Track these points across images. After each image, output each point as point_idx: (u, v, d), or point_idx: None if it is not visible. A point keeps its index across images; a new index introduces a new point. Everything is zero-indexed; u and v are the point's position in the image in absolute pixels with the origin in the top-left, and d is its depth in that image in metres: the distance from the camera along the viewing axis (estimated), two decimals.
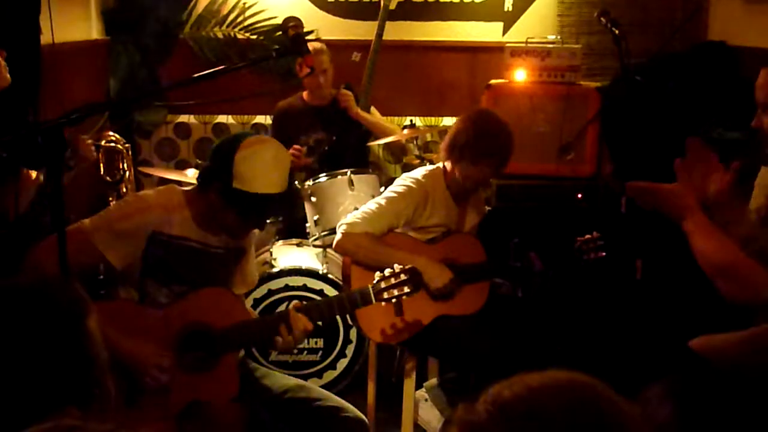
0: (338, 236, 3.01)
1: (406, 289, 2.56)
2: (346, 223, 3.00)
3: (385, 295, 2.56)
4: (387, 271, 2.57)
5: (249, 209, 2.41)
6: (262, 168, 2.38)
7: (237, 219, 2.44)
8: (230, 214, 2.42)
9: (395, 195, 3.06)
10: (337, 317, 3.61)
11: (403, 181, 3.12)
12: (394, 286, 2.56)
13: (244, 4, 4.92)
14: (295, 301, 2.61)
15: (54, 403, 1.35)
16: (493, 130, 3.05)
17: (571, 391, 0.96)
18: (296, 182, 3.92)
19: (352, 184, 3.77)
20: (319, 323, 2.53)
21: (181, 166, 4.94)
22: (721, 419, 1.95)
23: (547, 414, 0.93)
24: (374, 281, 2.58)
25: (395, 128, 4.40)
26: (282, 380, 2.65)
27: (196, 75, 2.22)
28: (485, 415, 0.95)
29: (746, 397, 2.03)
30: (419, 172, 3.16)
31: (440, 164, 3.18)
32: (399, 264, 2.60)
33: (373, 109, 4.42)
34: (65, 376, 1.38)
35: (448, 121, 4.85)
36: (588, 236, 3.17)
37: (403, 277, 2.56)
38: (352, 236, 2.98)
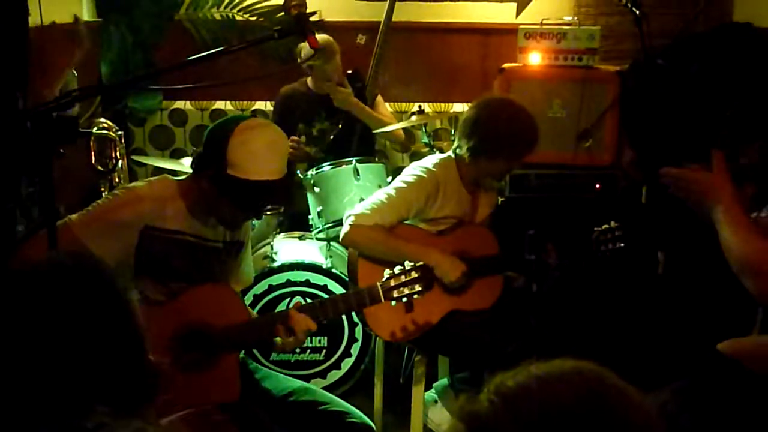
0: (346, 228, 2.94)
1: (417, 288, 2.53)
2: (355, 215, 2.93)
3: (395, 294, 2.53)
4: (397, 269, 2.53)
5: (244, 197, 2.35)
6: (258, 153, 2.31)
7: (232, 208, 2.38)
8: (225, 203, 2.36)
9: (405, 185, 3.00)
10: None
11: (414, 170, 3.05)
12: (404, 285, 2.53)
13: None
14: (297, 301, 2.53)
15: (118, 382, 1.34)
16: (517, 124, 2.99)
17: (577, 379, 0.95)
18: (298, 172, 3.84)
19: (358, 174, 3.69)
20: (324, 322, 2.50)
21: (177, 155, 4.91)
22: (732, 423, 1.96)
23: (552, 403, 0.92)
24: (383, 279, 2.53)
25: (395, 124, 4.28)
26: (285, 382, 2.60)
27: (192, 57, 2.15)
28: (488, 406, 0.94)
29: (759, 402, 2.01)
30: (430, 161, 3.09)
31: (451, 153, 3.11)
32: (410, 258, 2.57)
33: (378, 98, 4.31)
34: (123, 352, 1.36)
35: (459, 107, 4.81)
36: (606, 226, 3.12)
37: (414, 275, 2.53)
38: (361, 228, 2.91)
